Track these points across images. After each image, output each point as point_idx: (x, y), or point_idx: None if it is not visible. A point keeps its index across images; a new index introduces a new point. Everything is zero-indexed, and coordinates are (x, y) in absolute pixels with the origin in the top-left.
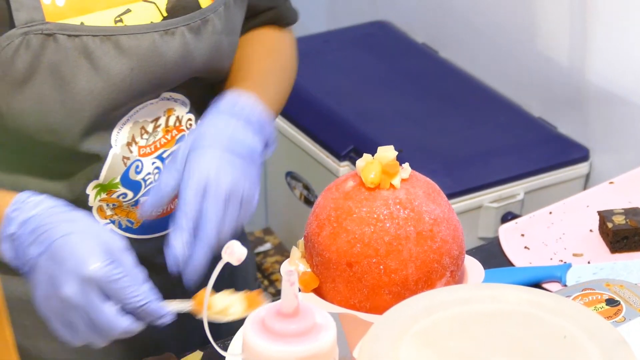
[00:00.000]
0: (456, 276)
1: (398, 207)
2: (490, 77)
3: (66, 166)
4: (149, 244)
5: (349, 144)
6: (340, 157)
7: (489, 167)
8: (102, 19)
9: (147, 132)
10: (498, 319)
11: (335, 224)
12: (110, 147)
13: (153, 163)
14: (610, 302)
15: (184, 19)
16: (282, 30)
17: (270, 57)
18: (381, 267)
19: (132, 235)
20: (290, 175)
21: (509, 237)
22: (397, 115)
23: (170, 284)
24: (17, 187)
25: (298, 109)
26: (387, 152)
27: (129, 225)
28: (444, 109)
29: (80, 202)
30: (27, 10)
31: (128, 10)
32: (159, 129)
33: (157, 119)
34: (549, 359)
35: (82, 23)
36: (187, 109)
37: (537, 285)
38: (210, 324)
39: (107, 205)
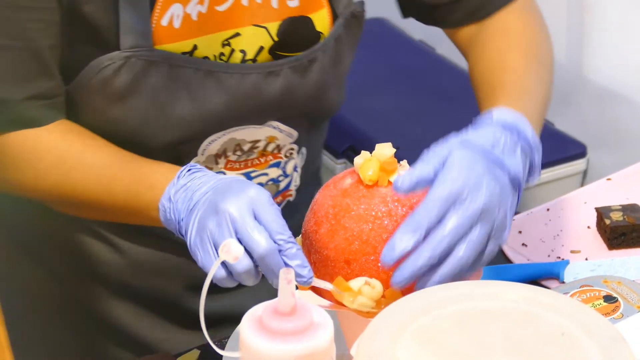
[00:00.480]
0: None
1: (396, 204)
2: None
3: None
4: None
5: (346, 142)
6: (337, 154)
7: None
8: (212, 42)
9: (242, 150)
10: (496, 316)
11: (333, 222)
12: (196, 155)
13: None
14: (608, 298)
15: (289, 61)
16: (530, 7)
17: (530, 64)
18: (379, 264)
19: None
20: None
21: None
22: (394, 113)
23: None
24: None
25: None
26: (385, 150)
27: None
28: (441, 106)
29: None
30: (134, 35)
31: (237, 34)
32: (255, 151)
33: (256, 141)
34: (547, 357)
35: (194, 45)
36: (293, 140)
37: (534, 282)
38: (206, 323)
39: None
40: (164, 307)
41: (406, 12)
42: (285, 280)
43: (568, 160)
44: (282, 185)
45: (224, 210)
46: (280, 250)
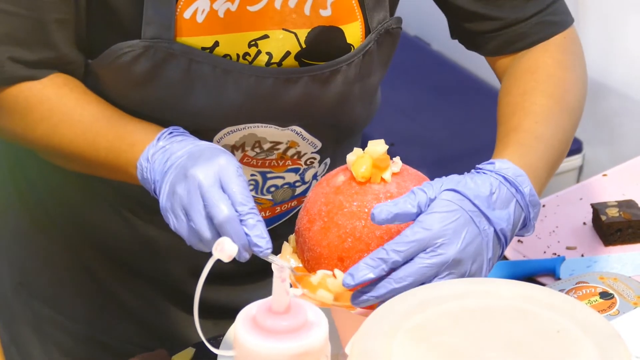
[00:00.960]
0: None
1: (389, 201)
2: (483, 70)
3: None
4: None
5: None
6: None
7: (481, 160)
8: (237, 41)
9: (261, 148)
10: (492, 313)
11: (326, 219)
12: (211, 140)
13: (252, 175)
14: (604, 295)
15: (310, 69)
16: (567, 45)
17: (552, 110)
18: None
19: None
20: None
21: None
22: (389, 108)
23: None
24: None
25: None
26: (377, 146)
27: None
28: (435, 102)
29: None
30: (156, 26)
31: (266, 37)
32: (274, 152)
33: (277, 143)
34: (543, 354)
35: (216, 42)
36: (315, 150)
37: (530, 278)
38: (210, 314)
39: None
40: (169, 290)
41: (454, 34)
42: (279, 279)
43: None
44: (299, 190)
45: (192, 176)
46: (241, 220)
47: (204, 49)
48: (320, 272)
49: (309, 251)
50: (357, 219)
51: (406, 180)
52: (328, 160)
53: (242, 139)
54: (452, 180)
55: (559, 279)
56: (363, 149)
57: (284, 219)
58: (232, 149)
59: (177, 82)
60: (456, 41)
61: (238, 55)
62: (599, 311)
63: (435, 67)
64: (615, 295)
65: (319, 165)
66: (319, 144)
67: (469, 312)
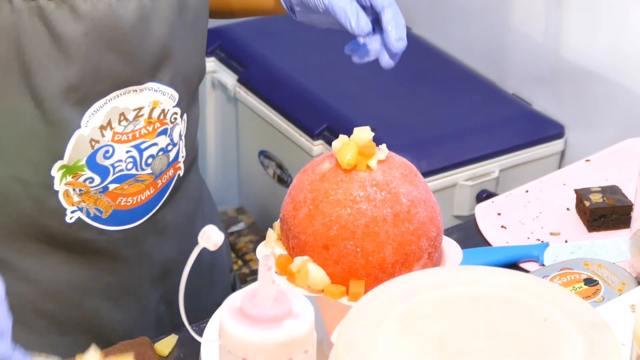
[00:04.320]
0: (434, 258)
1: (375, 188)
2: (464, 54)
3: (30, 141)
4: (117, 236)
5: (322, 123)
6: (313, 135)
7: (463, 145)
8: None
9: (126, 119)
10: (478, 302)
11: (311, 206)
12: (78, 127)
13: (128, 152)
14: (589, 281)
15: None
16: None
17: None
18: (358, 249)
19: (101, 225)
20: (263, 154)
21: (486, 216)
22: (371, 93)
23: (137, 277)
24: None
25: (271, 87)
26: (363, 133)
27: (97, 214)
28: (417, 86)
29: (46, 185)
30: None
31: None
32: (140, 119)
33: (140, 109)
34: (529, 342)
35: None
36: (175, 103)
37: (514, 265)
38: (186, 308)
39: (74, 190)
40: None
41: None
42: (265, 267)
43: (546, 140)
44: (172, 155)
45: None
46: None
47: None
48: (299, 259)
49: (294, 238)
50: (342, 207)
51: (392, 168)
52: (185, 117)
53: (107, 116)
54: None
55: (543, 265)
56: (349, 136)
57: (164, 198)
58: (101, 130)
59: (17, 28)
60: (438, 25)
61: None
62: (583, 298)
63: (416, 51)
64: (600, 282)
65: (181, 121)
66: (176, 95)
67: (455, 300)
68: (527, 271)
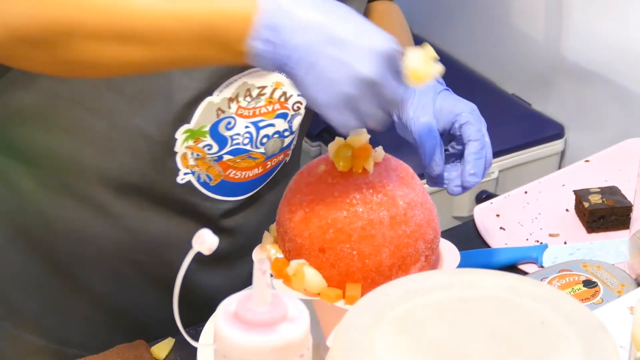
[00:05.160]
0: (431, 260)
1: (371, 191)
2: (463, 54)
3: (162, 102)
4: (219, 205)
5: (320, 124)
6: (311, 137)
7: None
8: None
9: (250, 95)
10: (475, 305)
11: (307, 209)
12: (210, 94)
13: (247, 127)
14: (588, 283)
15: None
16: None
17: (403, 36)
18: (354, 252)
19: (207, 191)
20: None
21: (485, 217)
22: None
23: (229, 247)
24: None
25: None
26: (359, 136)
27: (207, 180)
28: None
29: (167, 146)
30: None
31: None
32: (262, 98)
33: (263, 87)
34: (527, 345)
35: None
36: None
37: (513, 266)
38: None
39: (192, 154)
40: (149, 279)
41: None
42: (260, 271)
43: (545, 141)
44: (287, 141)
45: (364, 77)
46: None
47: None
48: (295, 263)
49: (290, 241)
50: (338, 210)
51: (388, 170)
52: (303, 112)
53: (237, 90)
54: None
55: (541, 267)
56: (345, 139)
57: (270, 178)
58: (229, 102)
59: None
60: (436, 24)
61: None
62: (582, 300)
63: None
64: (599, 284)
65: (304, 112)
66: None
67: (453, 302)
68: (526, 273)
